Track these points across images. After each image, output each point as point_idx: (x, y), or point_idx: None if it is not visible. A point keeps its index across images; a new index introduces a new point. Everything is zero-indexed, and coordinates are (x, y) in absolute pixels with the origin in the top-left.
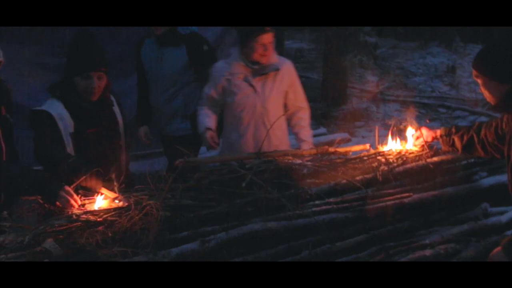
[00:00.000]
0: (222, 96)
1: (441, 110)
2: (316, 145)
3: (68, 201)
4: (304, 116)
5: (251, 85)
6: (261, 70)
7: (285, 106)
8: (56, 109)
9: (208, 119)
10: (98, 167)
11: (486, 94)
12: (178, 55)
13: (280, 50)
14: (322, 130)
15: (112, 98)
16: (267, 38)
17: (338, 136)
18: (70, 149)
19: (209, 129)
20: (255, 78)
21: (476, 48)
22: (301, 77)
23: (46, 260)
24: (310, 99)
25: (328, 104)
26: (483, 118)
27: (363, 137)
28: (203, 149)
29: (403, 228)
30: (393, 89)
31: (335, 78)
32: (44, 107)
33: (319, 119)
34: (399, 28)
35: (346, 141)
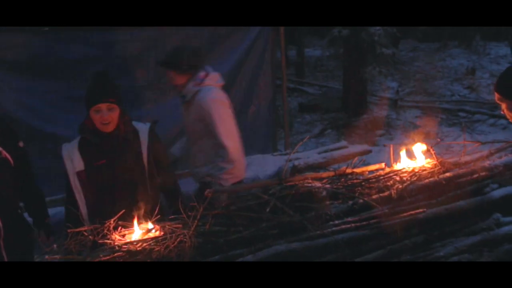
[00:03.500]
0: None
1: (461, 114)
2: (338, 158)
3: None
4: (223, 154)
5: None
6: (181, 99)
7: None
8: (70, 148)
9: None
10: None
11: (510, 116)
12: None
13: (301, 58)
14: (343, 143)
15: (138, 128)
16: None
17: (359, 148)
18: (76, 186)
19: None
20: (182, 104)
21: (497, 46)
22: (322, 86)
23: None
24: (332, 109)
25: (349, 114)
26: (502, 121)
27: (384, 145)
28: None
29: (419, 242)
30: (413, 94)
31: (355, 89)
32: (63, 145)
33: (340, 129)
34: (418, 30)
35: (367, 153)
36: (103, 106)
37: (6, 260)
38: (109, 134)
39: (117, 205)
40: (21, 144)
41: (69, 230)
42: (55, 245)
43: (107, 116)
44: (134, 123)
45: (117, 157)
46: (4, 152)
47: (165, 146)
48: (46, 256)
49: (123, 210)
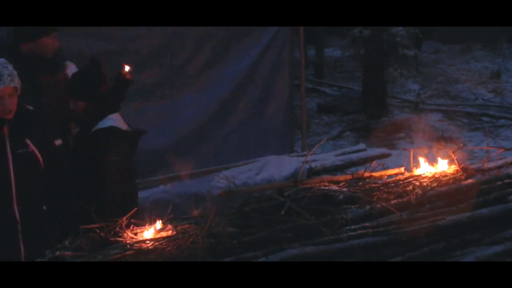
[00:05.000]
0: None
1: (485, 119)
2: (356, 161)
3: None
4: None
5: None
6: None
7: None
8: None
9: None
10: None
11: None
12: None
13: (320, 58)
14: (361, 146)
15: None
16: None
17: (378, 151)
18: None
19: None
20: None
21: None
22: (341, 87)
23: None
24: (351, 111)
25: (369, 116)
26: None
27: (404, 149)
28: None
29: (438, 249)
30: (435, 97)
31: (375, 90)
32: None
33: (359, 131)
34: (441, 31)
35: (386, 157)
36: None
37: (22, 254)
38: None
39: None
40: (57, 142)
41: (81, 227)
42: (66, 241)
43: (72, 107)
44: (106, 121)
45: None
46: (32, 146)
47: None
48: (57, 252)
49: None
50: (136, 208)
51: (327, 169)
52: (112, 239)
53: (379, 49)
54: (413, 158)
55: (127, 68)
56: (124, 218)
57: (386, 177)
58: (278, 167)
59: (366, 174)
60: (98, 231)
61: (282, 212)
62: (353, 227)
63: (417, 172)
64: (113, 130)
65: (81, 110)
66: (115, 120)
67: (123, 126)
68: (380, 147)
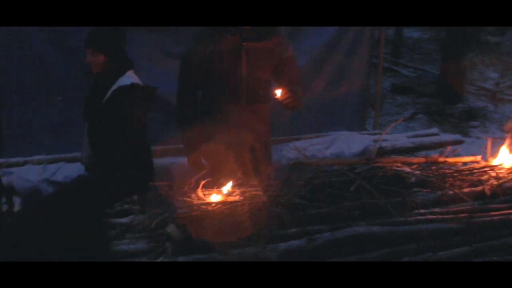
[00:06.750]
0: None
1: None
2: (427, 145)
3: None
4: None
5: None
6: None
7: None
8: None
9: None
10: None
11: None
12: None
13: (398, 38)
14: (434, 130)
15: (117, 82)
16: None
17: (451, 137)
18: None
19: None
20: None
21: None
22: (417, 69)
23: (167, 244)
24: (426, 93)
25: (444, 101)
26: None
27: (477, 138)
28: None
29: (508, 244)
30: None
31: (453, 75)
32: None
33: (432, 115)
34: None
35: (459, 144)
36: (88, 50)
37: None
38: (95, 75)
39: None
40: None
41: (153, 184)
42: (135, 196)
43: (89, 60)
44: (126, 78)
45: (91, 99)
46: None
47: (132, 117)
48: (126, 206)
49: (204, 171)
50: (206, 170)
51: (397, 150)
52: (179, 198)
53: (461, 33)
54: (491, 147)
55: (278, 92)
56: (193, 179)
57: (460, 164)
58: (348, 143)
59: (441, 159)
60: (166, 188)
61: (352, 189)
62: (422, 211)
63: (493, 162)
64: (136, 86)
65: (100, 64)
66: (132, 77)
67: (140, 82)
68: (453, 133)
